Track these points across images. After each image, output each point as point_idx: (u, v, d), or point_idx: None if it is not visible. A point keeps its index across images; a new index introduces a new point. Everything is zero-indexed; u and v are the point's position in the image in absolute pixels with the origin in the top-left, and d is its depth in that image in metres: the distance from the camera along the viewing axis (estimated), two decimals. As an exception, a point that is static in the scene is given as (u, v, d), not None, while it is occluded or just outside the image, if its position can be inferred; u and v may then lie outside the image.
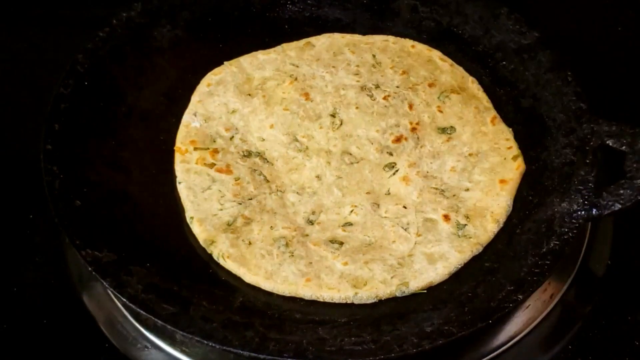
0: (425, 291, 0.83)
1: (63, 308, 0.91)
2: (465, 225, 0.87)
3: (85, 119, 0.94)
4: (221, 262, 0.86)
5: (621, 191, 0.82)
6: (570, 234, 0.81)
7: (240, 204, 0.90)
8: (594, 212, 0.82)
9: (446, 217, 0.88)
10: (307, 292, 0.83)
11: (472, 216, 0.88)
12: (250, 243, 0.87)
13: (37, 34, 1.22)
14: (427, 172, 0.92)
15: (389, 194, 0.91)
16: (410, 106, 0.98)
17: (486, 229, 0.87)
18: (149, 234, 0.87)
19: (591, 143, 0.87)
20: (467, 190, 0.91)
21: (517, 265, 0.81)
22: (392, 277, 0.83)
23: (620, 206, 0.81)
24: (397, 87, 1.01)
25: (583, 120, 0.90)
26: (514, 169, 0.91)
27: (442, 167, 0.93)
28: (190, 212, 0.90)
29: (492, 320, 0.76)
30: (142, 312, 0.77)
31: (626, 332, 0.87)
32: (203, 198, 0.91)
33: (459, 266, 0.85)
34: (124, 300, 0.78)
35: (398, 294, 0.83)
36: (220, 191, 0.91)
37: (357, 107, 0.98)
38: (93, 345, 0.87)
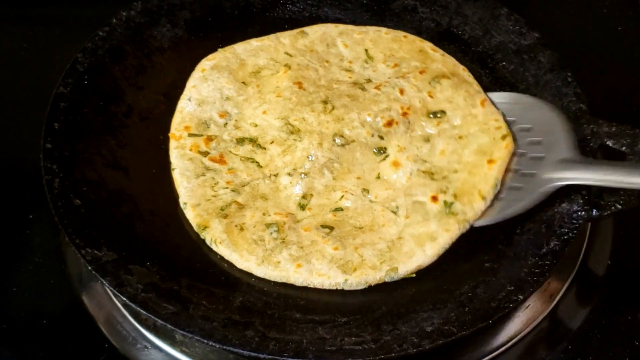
0: (414, 275, 0.84)
1: (63, 308, 0.91)
2: (452, 203, 0.87)
3: (84, 118, 0.94)
4: (214, 247, 0.86)
5: (621, 191, 0.82)
6: (570, 234, 0.81)
7: (234, 190, 0.91)
8: (594, 212, 0.82)
9: (434, 198, 0.88)
10: (298, 278, 0.83)
11: (459, 195, 0.88)
12: (242, 229, 0.87)
13: (37, 33, 1.22)
14: (417, 156, 0.92)
15: (379, 178, 0.91)
16: (402, 91, 0.98)
17: (473, 206, 0.88)
18: (148, 233, 0.87)
19: (591, 143, 0.87)
20: (456, 172, 0.91)
21: (517, 266, 0.81)
22: (381, 263, 0.83)
23: (620, 206, 0.81)
24: (389, 78, 1.01)
25: (583, 120, 0.90)
26: (502, 147, 0.91)
27: (432, 151, 0.93)
28: (183, 197, 0.90)
29: (492, 321, 0.76)
30: (142, 311, 0.77)
31: (626, 332, 0.87)
32: (197, 184, 0.91)
33: (447, 246, 0.85)
34: (124, 299, 0.78)
35: (387, 279, 0.83)
36: (213, 179, 0.92)
37: (348, 96, 0.98)
38: (93, 345, 0.87)
